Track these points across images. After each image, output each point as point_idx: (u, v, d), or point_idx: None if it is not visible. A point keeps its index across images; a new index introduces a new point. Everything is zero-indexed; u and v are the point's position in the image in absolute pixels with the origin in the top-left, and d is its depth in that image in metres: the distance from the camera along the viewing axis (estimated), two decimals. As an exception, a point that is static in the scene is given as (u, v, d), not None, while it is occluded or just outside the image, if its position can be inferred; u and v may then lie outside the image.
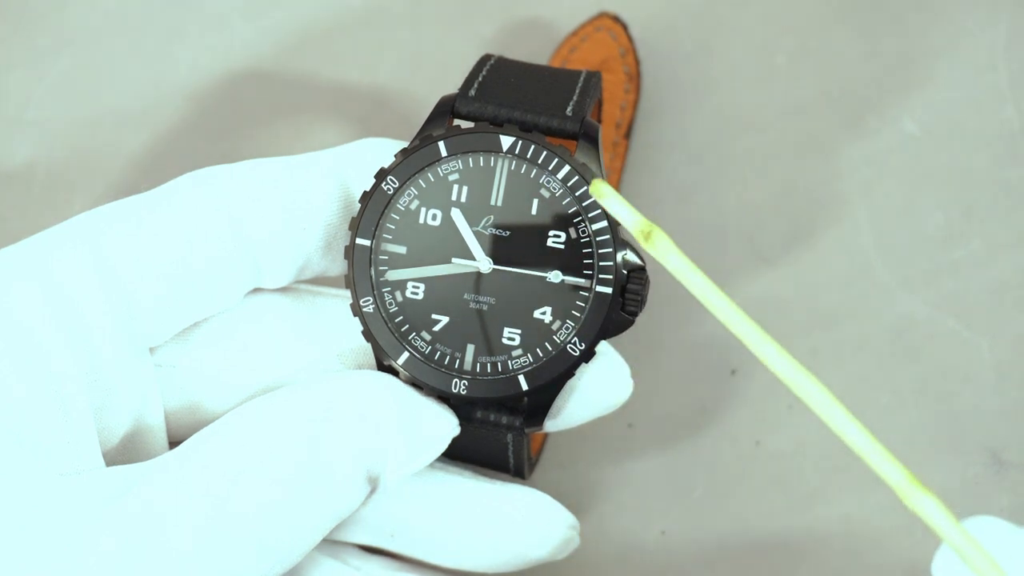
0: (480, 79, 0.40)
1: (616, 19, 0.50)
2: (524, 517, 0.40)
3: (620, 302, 0.38)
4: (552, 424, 0.40)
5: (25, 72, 0.52)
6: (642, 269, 0.38)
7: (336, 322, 0.40)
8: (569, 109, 0.39)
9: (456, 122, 0.40)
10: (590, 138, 0.39)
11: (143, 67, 0.51)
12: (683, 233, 0.49)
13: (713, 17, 0.51)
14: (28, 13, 0.52)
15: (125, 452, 0.39)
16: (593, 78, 0.41)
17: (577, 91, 0.40)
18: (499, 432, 0.39)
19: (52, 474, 0.35)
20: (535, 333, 0.38)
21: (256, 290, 0.40)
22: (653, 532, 0.47)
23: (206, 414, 0.39)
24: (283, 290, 0.40)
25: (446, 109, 0.39)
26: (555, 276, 0.38)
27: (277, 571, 0.36)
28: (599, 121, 0.47)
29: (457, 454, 0.41)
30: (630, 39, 0.50)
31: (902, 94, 0.50)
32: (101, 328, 0.37)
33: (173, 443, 0.40)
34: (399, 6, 0.52)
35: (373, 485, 0.37)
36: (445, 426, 0.38)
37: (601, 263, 0.38)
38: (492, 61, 0.41)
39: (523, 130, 0.39)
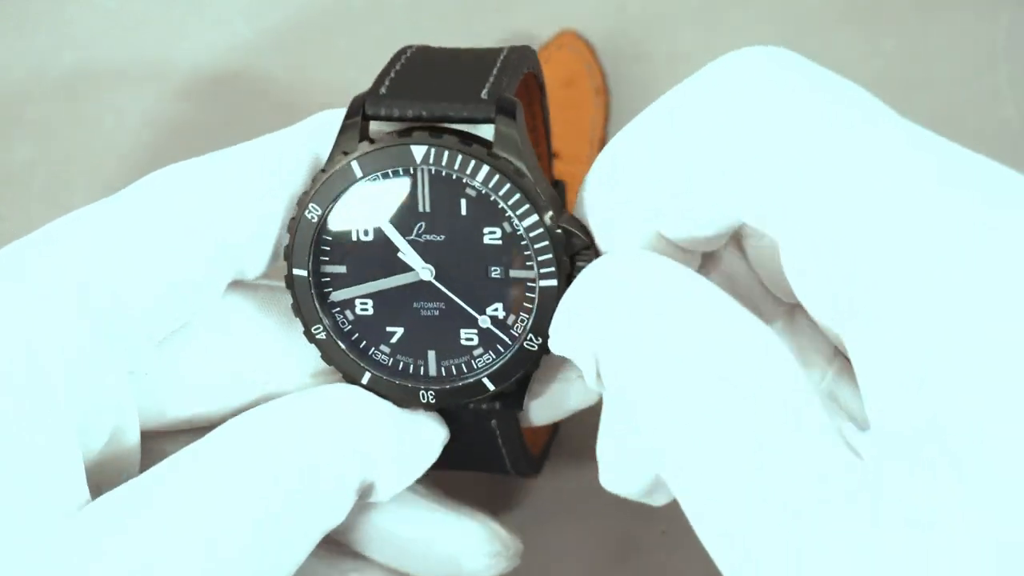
0: (393, 74, 0.38)
1: (577, 36, 0.50)
2: (447, 547, 0.41)
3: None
4: (538, 409, 0.40)
5: (25, 72, 0.52)
6: (588, 248, 0.36)
7: None
8: (485, 91, 0.36)
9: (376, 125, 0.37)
10: (508, 116, 0.36)
11: (143, 67, 0.51)
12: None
13: (713, 17, 0.51)
14: (28, 13, 0.52)
15: (99, 467, 0.37)
16: (515, 53, 0.38)
17: (495, 70, 0.37)
18: (483, 421, 0.39)
19: (39, 510, 0.34)
20: (491, 330, 0.37)
21: (232, 285, 0.39)
22: (653, 532, 0.47)
23: (179, 420, 0.39)
24: (258, 287, 0.40)
25: (357, 113, 0.37)
26: (484, 321, 0.37)
27: None
28: (542, 94, 0.43)
29: (452, 460, 0.40)
30: (593, 54, 0.50)
31: (902, 94, 0.50)
32: (81, 348, 0.35)
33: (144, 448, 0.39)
34: (399, 6, 0.52)
35: (366, 494, 0.37)
36: (437, 431, 0.38)
37: (540, 258, 0.36)
38: (409, 52, 0.39)
39: (434, 127, 0.36)
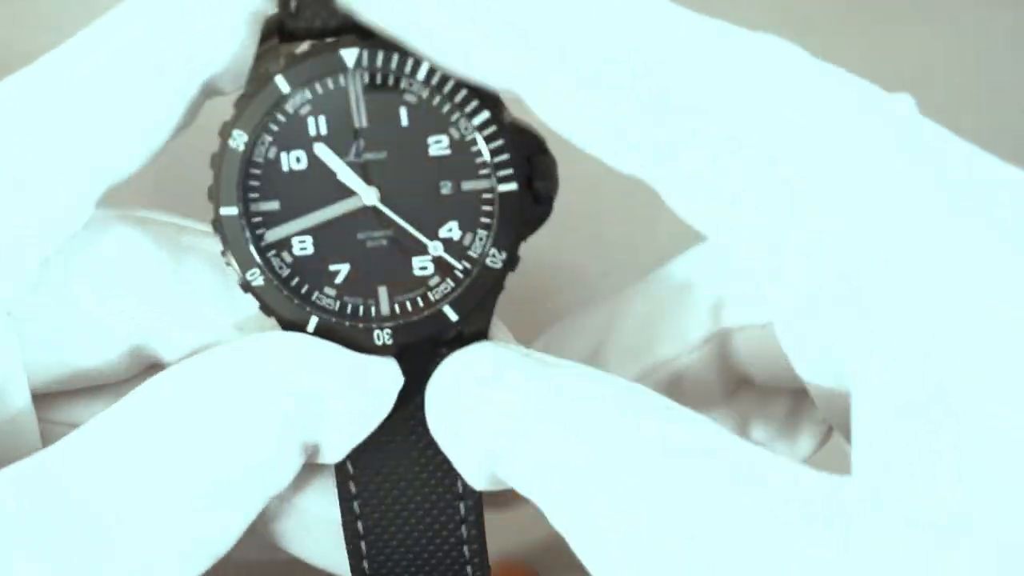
0: None
1: None
2: None
3: (530, 194, 0.34)
4: None
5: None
6: (543, 149, 0.34)
7: (199, 241, 0.36)
8: None
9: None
10: None
11: (143, 67, 0.51)
12: (682, 234, 0.49)
13: (712, 15, 0.51)
14: (28, 13, 0.52)
15: None
16: None
17: None
18: (436, 357, 0.35)
19: None
20: (444, 258, 0.34)
21: (121, 218, 0.36)
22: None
23: (73, 373, 0.35)
24: (148, 221, 0.36)
25: (274, 36, 0.34)
26: (436, 248, 0.34)
27: (206, 565, 0.32)
28: None
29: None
30: None
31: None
32: None
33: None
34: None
35: (312, 455, 0.33)
36: (391, 376, 0.34)
37: (496, 159, 0.33)
38: None
39: (363, 35, 0.33)
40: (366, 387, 0.33)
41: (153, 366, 0.36)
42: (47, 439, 0.33)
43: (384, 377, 0.33)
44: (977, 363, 0.28)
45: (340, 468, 0.35)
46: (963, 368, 0.28)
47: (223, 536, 0.32)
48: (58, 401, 0.36)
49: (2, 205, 0.32)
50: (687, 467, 0.29)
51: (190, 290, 0.35)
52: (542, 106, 0.31)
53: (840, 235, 0.30)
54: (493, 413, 0.31)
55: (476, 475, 0.33)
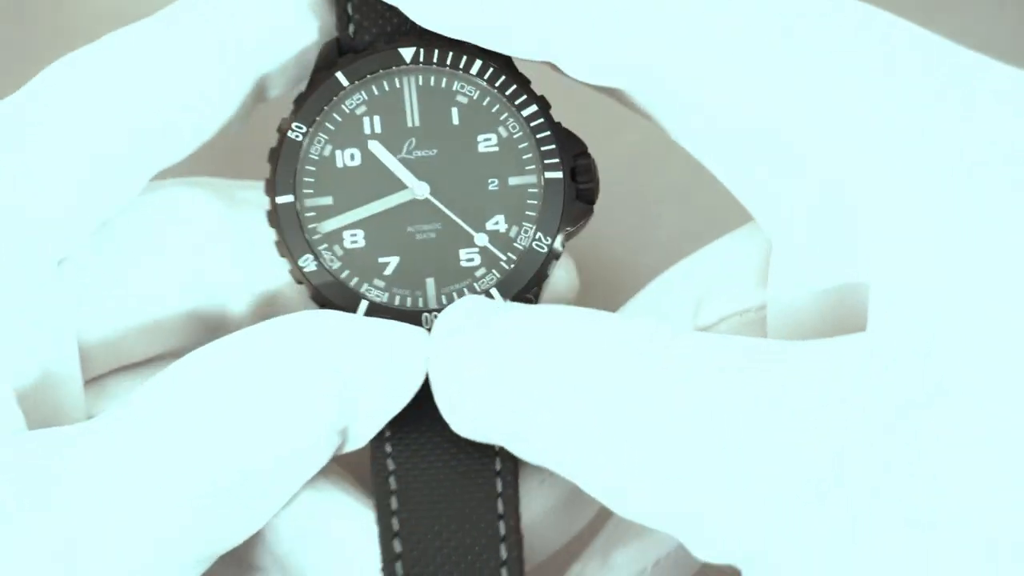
0: (351, 10, 0.36)
1: None
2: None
3: (574, 188, 0.36)
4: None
5: (25, 72, 0.52)
6: (585, 152, 0.36)
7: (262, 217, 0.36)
8: None
9: None
10: None
11: (143, 67, 0.51)
12: (682, 234, 0.49)
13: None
14: (28, 13, 0.52)
15: (34, 409, 0.34)
16: None
17: None
18: None
19: None
20: (489, 248, 0.36)
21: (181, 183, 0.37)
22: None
23: (138, 326, 0.36)
24: (195, 183, 0.37)
25: (332, 59, 0.36)
26: (481, 239, 0.36)
27: (229, 546, 0.32)
28: None
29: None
30: None
31: (902, 94, 0.50)
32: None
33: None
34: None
35: (343, 437, 0.33)
36: (421, 343, 0.33)
37: (543, 148, 0.36)
38: None
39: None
40: (395, 354, 0.33)
41: (209, 328, 0.37)
42: None
43: (413, 343, 0.33)
44: (977, 363, 0.28)
45: (380, 464, 0.35)
46: (963, 367, 0.28)
47: (255, 517, 0.32)
48: (107, 389, 0.37)
49: (52, 174, 0.33)
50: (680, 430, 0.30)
51: (246, 238, 0.36)
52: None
53: (841, 235, 0.30)
54: (477, 360, 0.32)
55: (460, 422, 0.33)
